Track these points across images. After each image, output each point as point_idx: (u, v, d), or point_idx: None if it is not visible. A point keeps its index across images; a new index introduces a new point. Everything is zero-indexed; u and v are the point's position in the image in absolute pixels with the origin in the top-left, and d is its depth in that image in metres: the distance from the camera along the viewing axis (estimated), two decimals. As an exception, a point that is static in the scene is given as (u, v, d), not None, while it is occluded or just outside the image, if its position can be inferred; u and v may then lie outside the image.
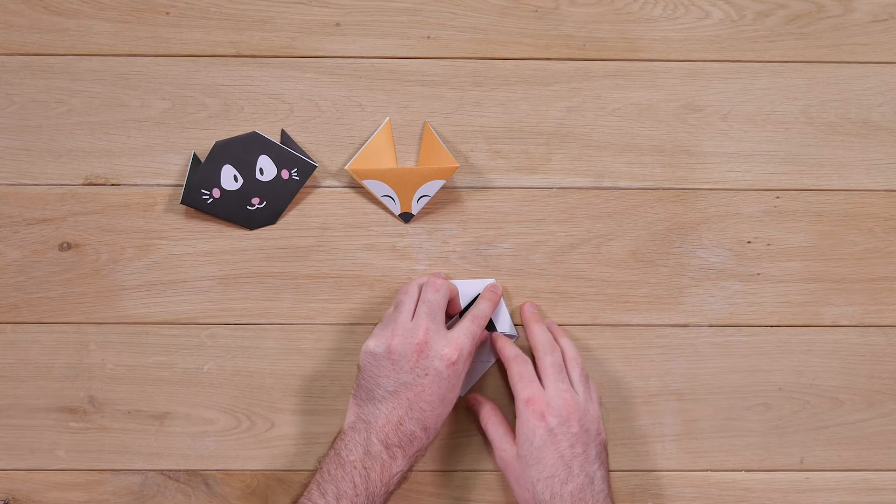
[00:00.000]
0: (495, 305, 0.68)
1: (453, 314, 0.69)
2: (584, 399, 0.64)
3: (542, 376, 0.64)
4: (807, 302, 0.71)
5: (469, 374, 0.70)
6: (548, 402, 0.62)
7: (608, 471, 0.64)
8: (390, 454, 0.60)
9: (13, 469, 0.70)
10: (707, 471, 0.71)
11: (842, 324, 0.71)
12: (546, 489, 0.61)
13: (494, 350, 0.69)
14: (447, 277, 0.70)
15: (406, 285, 0.66)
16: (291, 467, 0.70)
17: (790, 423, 0.71)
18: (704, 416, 0.71)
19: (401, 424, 0.61)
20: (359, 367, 0.64)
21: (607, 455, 0.65)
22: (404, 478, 0.62)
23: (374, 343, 0.63)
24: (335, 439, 0.62)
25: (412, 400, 0.61)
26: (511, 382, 0.65)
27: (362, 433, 0.61)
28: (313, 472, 0.62)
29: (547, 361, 0.65)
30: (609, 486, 0.63)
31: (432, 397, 0.61)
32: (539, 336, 0.66)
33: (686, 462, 0.71)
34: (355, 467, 0.59)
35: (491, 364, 0.70)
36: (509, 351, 0.66)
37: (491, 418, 0.66)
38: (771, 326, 0.71)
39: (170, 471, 0.70)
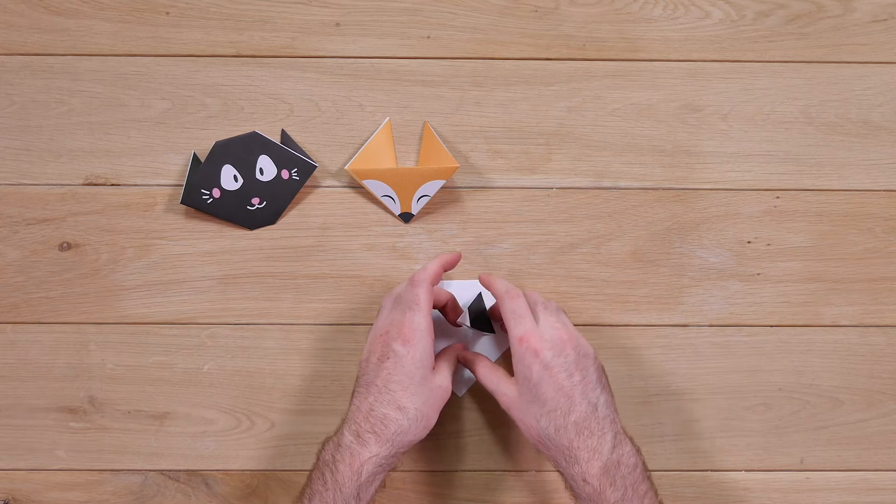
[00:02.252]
0: (445, 263, 0.66)
1: (453, 319, 0.68)
2: (572, 326, 0.63)
3: (532, 310, 0.63)
4: (807, 302, 0.71)
5: (468, 374, 0.70)
6: (541, 336, 0.61)
7: (611, 394, 0.62)
8: (360, 441, 0.59)
9: (13, 469, 0.70)
10: (707, 471, 0.71)
11: (842, 324, 0.71)
12: (550, 423, 0.59)
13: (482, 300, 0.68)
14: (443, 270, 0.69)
15: (387, 295, 0.66)
16: (291, 467, 0.70)
17: (790, 423, 0.71)
18: (704, 416, 0.71)
19: (372, 410, 0.60)
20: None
21: (607, 379, 0.63)
22: (388, 465, 0.60)
23: (363, 353, 0.64)
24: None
25: (380, 386, 0.61)
26: (504, 319, 0.63)
27: (338, 432, 0.61)
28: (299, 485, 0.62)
29: (532, 297, 0.64)
30: (614, 410, 0.61)
31: (400, 376, 0.60)
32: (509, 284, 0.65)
33: (686, 462, 0.71)
34: (326, 464, 0.59)
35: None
36: (500, 285, 0.65)
37: (485, 370, 0.65)
38: (771, 326, 0.71)
39: (170, 471, 0.70)
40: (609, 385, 0.62)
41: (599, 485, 0.58)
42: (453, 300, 0.67)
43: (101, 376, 0.70)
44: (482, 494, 0.71)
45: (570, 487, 0.60)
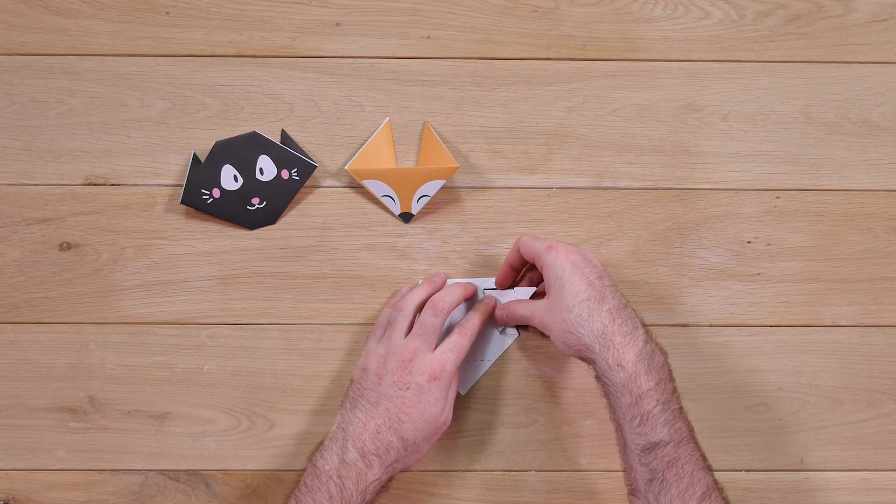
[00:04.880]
0: (487, 317, 0.67)
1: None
2: None
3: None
4: (807, 302, 0.71)
5: (470, 373, 0.70)
6: (567, 245, 0.63)
7: None
8: (366, 462, 0.60)
9: (13, 469, 0.70)
10: (707, 471, 0.71)
11: (842, 324, 0.71)
12: (584, 309, 0.60)
13: (496, 321, 0.69)
14: (446, 277, 0.70)
15: (400, 302, 0.66)
16: (291, 467, 0.70)
17: (790, 423, 0.71)
18: (704, 416, 0.71)
19: (378, 433, 0.61)
20: (350, 381, 0.65)
21: None
22: (383, 487, 0.62)
23: (366, 360, 0.64)
24: (314, 451, 0.62)
25: (391, 411, 0.61)
26: (529, 249, 0.64)
27: (339, 441, 0.61)
28: (293, 486, 0.62)
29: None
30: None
31: (412, 410, 0.61)
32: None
33: (686, 462, 0.71)
34: (330, 477, 0.60)
35: (491, 364, 0.71)
36: (518, 240, 0.66)
37: (519, 304, 0.66)
38: (771, 326, 0.71)
39: (170, 471, 0.70)
40: None
41: (634, 370, 0.58)
42: (461, 299, 0.67)
43: (101, 376, 0.70)
44: (482, 494, 0.71)
45: (602, 377, 0.59)
